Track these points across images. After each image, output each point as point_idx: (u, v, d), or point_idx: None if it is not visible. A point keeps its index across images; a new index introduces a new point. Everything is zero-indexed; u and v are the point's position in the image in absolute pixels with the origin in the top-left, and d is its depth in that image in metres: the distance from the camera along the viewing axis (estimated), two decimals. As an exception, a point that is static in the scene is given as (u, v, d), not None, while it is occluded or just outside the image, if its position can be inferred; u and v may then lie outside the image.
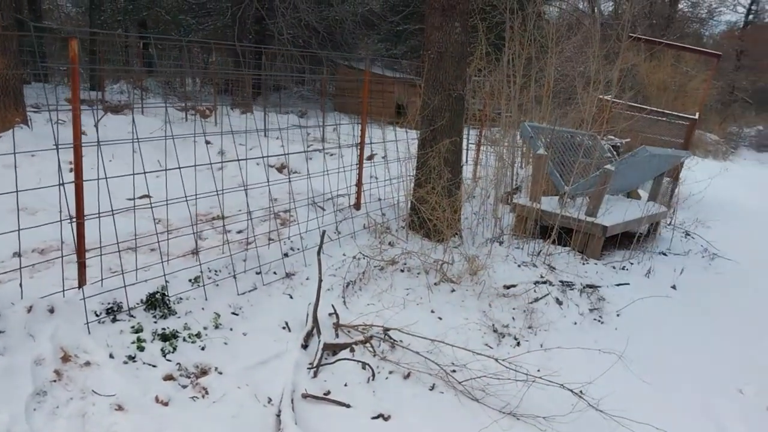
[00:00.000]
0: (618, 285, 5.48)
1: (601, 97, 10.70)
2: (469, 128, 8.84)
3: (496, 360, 3.58)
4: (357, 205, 5.76)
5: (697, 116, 11.35)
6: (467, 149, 8.41)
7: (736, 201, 12.59)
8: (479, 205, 6.50)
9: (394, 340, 3.80)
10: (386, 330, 3.84)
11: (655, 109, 11.03)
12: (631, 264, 6.19)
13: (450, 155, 5.20)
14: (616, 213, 6.52)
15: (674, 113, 10.78)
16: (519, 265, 5.31)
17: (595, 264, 5.92)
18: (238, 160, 4.53)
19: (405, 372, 3.54)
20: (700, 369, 4.31)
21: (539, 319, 4.49)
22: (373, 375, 3.45)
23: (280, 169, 8.81)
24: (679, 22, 31.53)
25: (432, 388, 3.48)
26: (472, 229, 6.05)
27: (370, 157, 9.01)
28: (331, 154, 9.12)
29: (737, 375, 4.31)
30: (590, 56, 8.74)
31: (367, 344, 3.70)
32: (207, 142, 8.04)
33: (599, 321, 4.74)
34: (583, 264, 5.84)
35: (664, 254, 7.04)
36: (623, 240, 7.07)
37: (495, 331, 4.25)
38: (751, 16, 33.32)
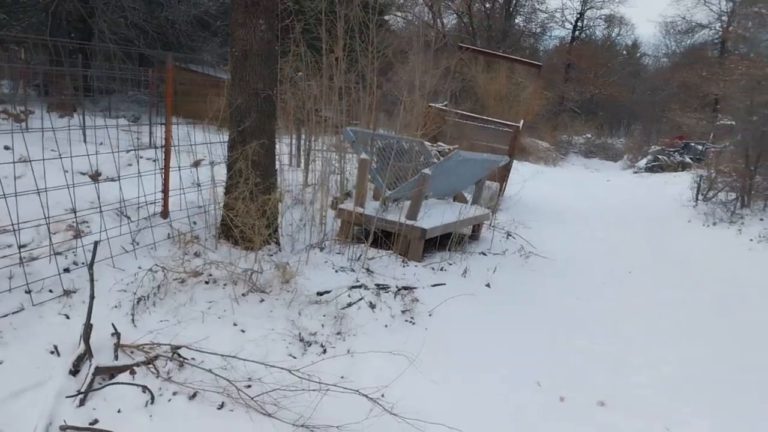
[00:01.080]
0: (434, 286, 5.54)
1: (431, 105, 11.03)
2: (292, 132, 8.65)
3: (289, 371, 3.40)
4: (164, 213, 5.36)
5: (521, 124, 12.02)
6: (307, 153, 8.23)
7: (558, 202, 13.51)
8: (304, 211, 6.33)
9: (184, 359, 3.49)
10: (175, 348, 3.52)
11: (482, 117, 11.51)
12: (450, 265, 6.31)
13: (260, 158, 4.97)
14: (436, 216, 6.64)
15: (499, 121, 11.30)
16: (336, 271, 5.20)
17: (415, 266, 5.96)
18: (30, 161, 4.00)
19: (191, 392, 3.25)
20: (505, 363, 4.42)
21: (349, 324, 4.38)
22: (152, 398, 3.13)
23: (94, 177, 8.09)
24: (515, 35, 33.68)
25: (221, 406, 3.23)
26: (294, 236, 5.86)
27: (197, 163, 8.55)
28: (154, 160, 8.54)
29: (539, 367, 4.47)
30: (416, 65, 8.94)
31: (151, 365, 3.36)
32: (6, 147, 7.19)
33: (410, 322, 4.73)
34: (403, 266, 5.86)
35: (484, 254, 7.29)
36: (446, 242, 7.23)
37: (301, 340, 4.07)
38: (577, 32, 36.40)
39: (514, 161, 22.07)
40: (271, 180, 5.02)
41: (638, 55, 47.96)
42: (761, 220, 10.87)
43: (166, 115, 5.26)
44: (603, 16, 38.30)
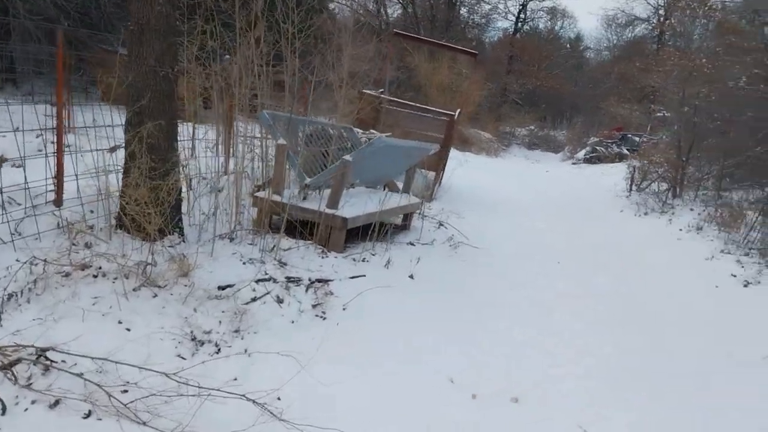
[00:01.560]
0: (353, 278, 5.28)
1: (364, 91, 10.73)
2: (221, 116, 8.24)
3: (166, 375, 3.07)
4: (57, 201, 4.91)
5: (457, 113, 11.86)
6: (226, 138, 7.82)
7: (496, 192, 13.44)
8: (214, 199, 5.96)
9: (51, 362, 3.12)
10: (42, 350, 3.15)
11: (416, 105, 11.29)
12: (373, 255, 6.05)
13: (158, 141, 4.58)
14: (361, 205, 6.37)
15: (434, 109, 11.10)
16: (245, 263, 4.87)
17: (335, 257, 5.68)
18: None
19: (53, 400, 2.89)
20: (419, 359, 4.20)
21: (250, 321, 4.07)
22: (4, 409, 2.76)
23: (-4, 163, 7.50)
24: (458, 26, 33.62)
25: (87, 415, 2.88)
26: (203, 226, 5.49)
27: (114, 148, 8.05)
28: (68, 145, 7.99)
29: (456, 362, 4.27)
30: (344, 49, 8.60)
31: (8, 370, 2.98)
32: None
33: (321, 317, 4.46)
34: (322, 258, 5.57)
35: (412, 244, 7.06)
36: (375, 232, 6.97)
37: (193, 339, 3.74)
38: (520, 24, 36.62)
39: (457, 151, 22.10)
40: (169, 165, 4.63)
41: (581, 48, 48.75)
42: (691, 210, 11.02)
43: (57, 95, 4.82)
44: (545, 8, 38.70)
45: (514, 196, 13.37)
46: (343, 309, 4.64)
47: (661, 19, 30.35)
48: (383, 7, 32.47)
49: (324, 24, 10.52)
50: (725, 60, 12.17)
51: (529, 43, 35.76)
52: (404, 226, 7.96)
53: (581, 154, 24.08)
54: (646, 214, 11.24)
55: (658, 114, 22.04)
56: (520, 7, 35.79)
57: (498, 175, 17.40)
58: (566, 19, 41.69)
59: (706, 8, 17.66)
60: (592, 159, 22.67)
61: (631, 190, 13.53)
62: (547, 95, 38.72)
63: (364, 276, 5.39)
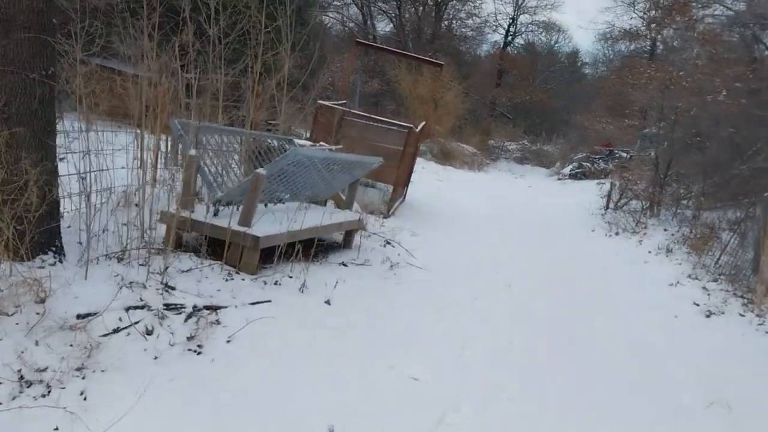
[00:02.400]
0: (254, 304, 4.76)
1: (321, 103, 10.27)
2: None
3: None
4: None
5: (421, 126, 11.40)
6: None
7: (465, 209, 12.95)
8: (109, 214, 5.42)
9: None
10: None
11: (375, 117, 10.81)
12: (290, 278, 5.54)
13: (28, 150, 4.08)
14: (285, 221, 5.85)
15: (392, 121, 10.62)
16: (122, 287, 4.34)
17: (243, 280, 5.16)
18: None
19: None
20: (300, 406, 3.65)
21: (101, 356, 3.54)
22: None
23: None
24: (445, 39, 33.29)
25: None
26: (85, 243, 4.91)
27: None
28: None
29: (339, 410, 3.70)
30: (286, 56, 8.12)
31: None
32: None
33: (195, 351, 3.92)
34: (227, 280, 5.06)
35: (345, 265, 6.56)
36: (306, 251, 6.46)
37: (21, 378, 3.21)
38: (510, 38, 36.26)
39: (437, 165, 21.63)
40: (33, 176, 4.12)
41: (578, 63, 48.37)
42: (665, 230, 10.51)
43: None
44: (539, 23, 38.31)
45: (483, 212, 12.87)
46: (227, 341, 4.12)
47: (653, 33, 29.95)
48: (369, 18, 32.17)
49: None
50: (705, 73, 11.71)
51: (519, 56, 35.41)
52: (345, 244, 7.46)
53: (567, 169, 23.63)
54: (617, 233, 10.73)
55: (646, 130, 21.60)
56: (510, 20, 35.44)
57: (474, 190, 16.94)
58: (561, 33, 41.35)
59: (694, 22, 17.26)
60: (578, 175, 22.22)
61: (607, 208, 13.03)
62: (540, 110, 38.34)
63: (269, 302, 4.87)
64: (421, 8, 32.03)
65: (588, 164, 22.55)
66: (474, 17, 34.89)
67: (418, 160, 21.30)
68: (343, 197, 8.42)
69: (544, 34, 40.92)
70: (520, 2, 35.31)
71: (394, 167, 10.26)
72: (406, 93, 24.76)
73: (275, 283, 5.31)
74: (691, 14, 16.84)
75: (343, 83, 12.09)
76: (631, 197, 12.53)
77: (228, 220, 5.38)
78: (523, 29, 37.40)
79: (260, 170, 5.32)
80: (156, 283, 4.51)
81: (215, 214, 5.53)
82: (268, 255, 5.68)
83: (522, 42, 39.82)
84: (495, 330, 5.59)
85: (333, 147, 9.24)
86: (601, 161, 23.08)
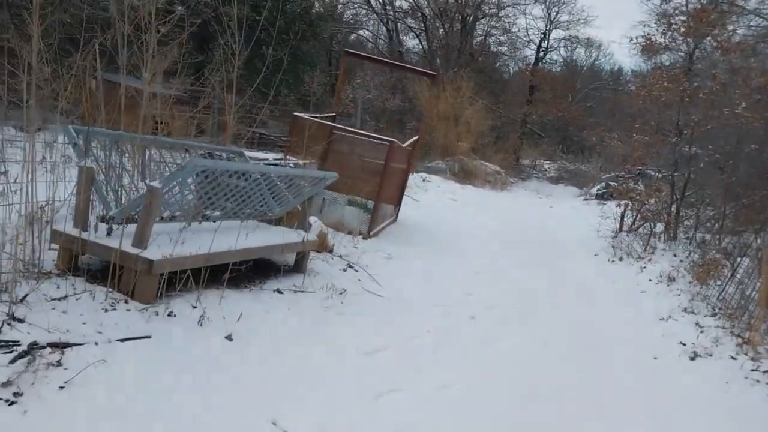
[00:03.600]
0: (125, 340, 4.07)
1: (297, 115, 9.67)
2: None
3: None
4: None
5: (410, 141, 10.72)
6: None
7: (467, 229, 12.10)
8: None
9: None
10: None
11: (356, 131, 10.14)
12: (194, 308, 4.84)
13: None
14: (203, 242, 5.19)
15: (375, 136, 9.91)
16: (-42, 319, 3.72)
17: (128, 311, 4.48)
18: None
19: None
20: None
21: None
22: None
23: None
24: (473, 55, 32.52)
25: None
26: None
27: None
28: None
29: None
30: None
31: None
32: None
33: (7, 401, 3.24)
34: (107, 311, 4.38)
35: (280, 292, 5.84)
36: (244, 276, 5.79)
37: None
38: (542, 53, 35.21)
39: (456, 184, 20.77)
40: None
41: (622, 80, 46.84)
42: (675, 256, 9.48)
43: None
44: (572, 38, 37.13)
45: (485, 234, 11.98)
46: (61, 388, 3.44)
47: (689, 46, 28.61)
48: (396, 34, 31.69)
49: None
50: (724, 84, 10.67)
51: (551, 73, 34.34)
52: (297, 268, 6.76)
53: (594, 189, 22.47)
54: (620, 259, 9.74)
55: (686, 148, 20.32)
56: (542, 35, 34.43)
57: (488, 211, 16.05)
58: (600, 50, 40.08)
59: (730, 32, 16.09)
60: (604, 195, 21.05)
61: (620, 230, 12.02)
62: (577, 128, 37.06)
63: (149, 337, 4.19)
64: (448, 25, 31.40)
65: (614, 184, 21.33)
66: (506, 33, 34.07)
67: (434, 178, 20.63)
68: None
69: (580, 50, 39.81)
70: (552, 17, 34.41)
71: (377, 183, 9.55)
72: (426, 109, 24.05)
73: (169, 315, 4.62)
74: (723, 22, 15.71)
75: (337, 96, 11.45)
76: (644, 220, 11.51)
77: (128, 240, 4.76)
78: (556, 44, 36.41)
79: (154, 183, 4.67)
80: (2, 314, 3.88)
81: (108, 233, 4.90)
82: (188, 280, 5.00)
83: (556, 58, 38.78)
84: (431, 375, 4.78)
85: (302, 162, 8.61)
86: (631, 181, 21.85)
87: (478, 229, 12.51)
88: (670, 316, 6.49)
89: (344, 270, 7.23)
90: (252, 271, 6.12)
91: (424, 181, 19.92)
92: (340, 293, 6.27)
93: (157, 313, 4.58)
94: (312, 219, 7.94)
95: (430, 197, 16.47)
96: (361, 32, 34.54)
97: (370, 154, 9.71)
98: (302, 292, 6.02)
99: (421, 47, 33.07)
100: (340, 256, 7.83)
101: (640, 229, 11.83)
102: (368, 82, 24.53)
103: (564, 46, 37.38)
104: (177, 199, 5.21)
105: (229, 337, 4.58)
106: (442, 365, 4.99)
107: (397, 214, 11.45)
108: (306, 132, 8.96)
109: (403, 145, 10.13)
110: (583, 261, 9.90)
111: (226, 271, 5.26)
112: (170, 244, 4.93)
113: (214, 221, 5.94)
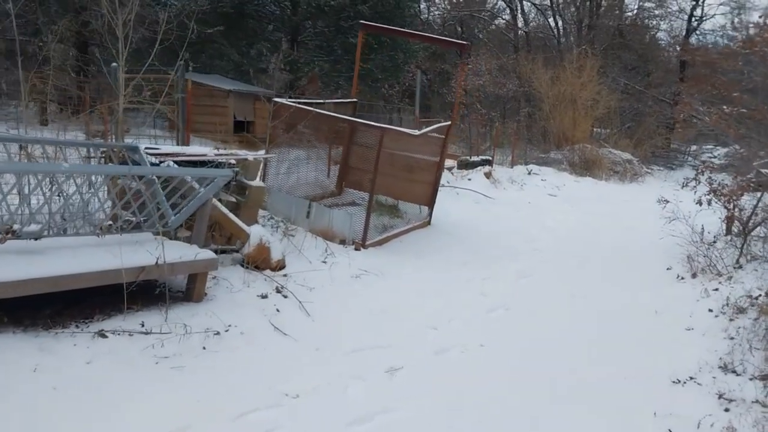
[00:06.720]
0: None
1: (276, 101, 8.17)
2: None
3: None
4: None
5: (436, 126, 8.73)
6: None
7: (520, 237, 9.81)
8: None
9: None
10: None
11: (344, 117, 8.36)
12: None
13: None
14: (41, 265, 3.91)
15: (367, 122, 8.04)
16: None
17: None
18: None
19: None
20: None
21: None
22: None
23: None
24: (607, 29, 28.78)
25: None
26: None
27: None
28: None
29: None
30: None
31: None
32: None
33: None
34: None
35: (103, 335, 4.36)
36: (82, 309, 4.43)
37: None
38: (695, 23, 30.03)
39: (570, 176, 17.92)
40: None
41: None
42: (770, 274, 6.60)
43: None
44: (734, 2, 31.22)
45: (542, 241, 9.56)
46: None
47: None
48: (521, 12, 28.92)
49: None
50: None
51: (705, 48, 29.24)
52: (189, 296, 5.26)
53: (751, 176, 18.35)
54: (694, 275, 6.99)
55: None
56: (693, 2, 29.30)
57: (586, 208, 13.41)
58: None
59: None
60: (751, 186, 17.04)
61: (729, 233, 9.07)
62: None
63: None
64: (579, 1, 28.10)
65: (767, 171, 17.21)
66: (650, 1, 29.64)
67: (543, 170, 17.93)
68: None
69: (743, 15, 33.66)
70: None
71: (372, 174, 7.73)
72: (543, 92, 21.35)
73: None
74: None
75: (355, 78, 9.77)
76: (763, 220, 8.46)
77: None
78: (712, 12, 30.89)
79: None
80: None
81: None
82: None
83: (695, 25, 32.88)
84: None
85: (251, 157, 7.05)
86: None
87: (545, 233, 10.12)
88: (691, 377, 4.04)
89: (264, 296, 5.57)
90: (132, 297, 4.69)
91: (529, 174, 17.43)
92: (215, 334, 4.67)
93: None
94: (254, 228, 6.40)
95: (515, 194, 14.10)
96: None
97: (367, 141, 7.95)
98: (145, 334, 4.47)
99: (545, 25, 30.05)
100: (285, 275, 6.22)
101: (754, 232, 8.69)
102: (481, 66, 22.27)
103: (726, 13, 31.59)
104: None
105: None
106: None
107: (430, 217, 9.51)
108: (283, 119, 7.49)
109: (418, 132, 8.12)
110: (640, 279, 7.19)
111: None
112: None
113: (35, 238, 4.61)
